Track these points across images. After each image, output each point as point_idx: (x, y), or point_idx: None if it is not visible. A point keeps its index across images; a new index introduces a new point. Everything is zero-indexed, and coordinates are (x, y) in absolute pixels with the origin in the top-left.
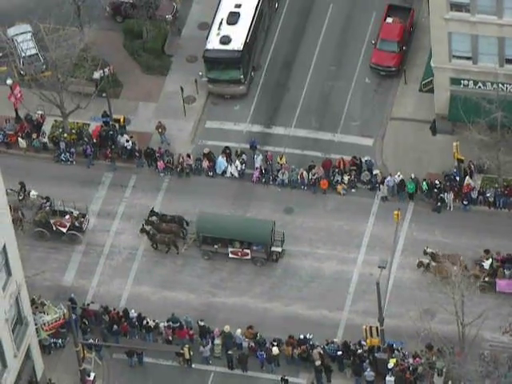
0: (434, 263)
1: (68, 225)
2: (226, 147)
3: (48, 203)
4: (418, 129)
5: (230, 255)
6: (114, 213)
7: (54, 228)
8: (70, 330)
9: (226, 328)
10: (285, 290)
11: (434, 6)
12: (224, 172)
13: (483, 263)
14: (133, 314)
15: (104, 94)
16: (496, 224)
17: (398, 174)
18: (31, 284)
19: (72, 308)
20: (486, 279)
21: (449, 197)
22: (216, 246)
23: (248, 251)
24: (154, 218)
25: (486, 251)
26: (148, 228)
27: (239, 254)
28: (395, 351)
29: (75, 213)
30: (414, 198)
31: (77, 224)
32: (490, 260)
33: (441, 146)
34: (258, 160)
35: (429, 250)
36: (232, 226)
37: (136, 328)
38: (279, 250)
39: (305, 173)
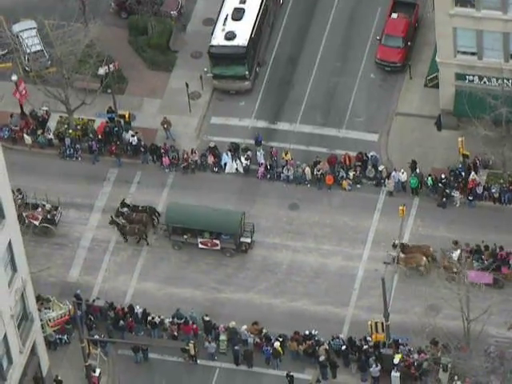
0: (402, 255)
1: (40, 217)
2: (232, 143)
3: (20, 196)
4: (423, 124)
5: (200, 245)
6: None
7: (27, 221)
8: (76, 326)
9: (232, 324)
10: (290, 285)
11: (438, 2)
12: (226, 164)
13: (452, 254)
14: (138, 309)
15: (109, 90)
16: (501, 219)
17: (402, 171)
18: (36, 280)
19: (77, 304)
20: (455, 270)
21: (456, 193)
22: (185, 237)
23: (217, 242)
24: (124, 210)
25: (455, 242)
26: (118, 219)
27: (209, 244)
28: (400, 347)
29: (47, 206)
30: (417, 193)
31: (49, 217)
32: (459, 251)
33: (446, 142)
34: (260, 156)
35: (397, 242)
36: (201, 217)
37: (141, 324)
38: (248, 240)
39: (308, 169)
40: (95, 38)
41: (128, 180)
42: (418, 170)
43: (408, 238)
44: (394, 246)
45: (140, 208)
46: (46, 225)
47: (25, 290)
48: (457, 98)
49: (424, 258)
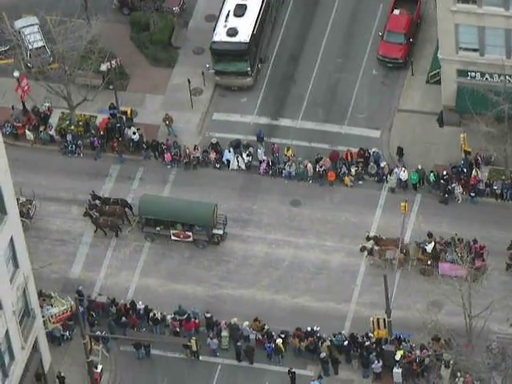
0: (376, 247)
1: None
2: (233, 141)
3: None
4: (425, 121)
5: (173, 237)
6: None
7: None
8: (78, 322)
9: (233, 320)
10: (292, 282)
11: None
12: (228, 161)
13: (426, 247)
14: (140, 306)
15: (111, 87)
16: (503, 216)
17: (403, 169)
18: (38, 276)
19: (79, 300)
20: (429, 262)
21: (457, 189)
22: (158, 228)
23: (190, 233)
24: (96, 202)
25: (429, 235)
26: (91, 212)
27: (181, 236)
28: (402, 343)
29: (22, 199)
30: (416, 189)
31: (24, 210)
32: (433, 244)
33: (448, 138)
34: (261, 153)
35: (371, 235)
36: (174, 209)
37: (143, 320)
38: (220, 232)
39: (309, 165)
40: (97, 35)
41: (130, 176)
42: (419, 166)
43: (410, 234)
44: (368, 238)
45: (112, 200)
46: (21, 219)
47: (27, 287)
48: (459, 94)
49: (398, 251)
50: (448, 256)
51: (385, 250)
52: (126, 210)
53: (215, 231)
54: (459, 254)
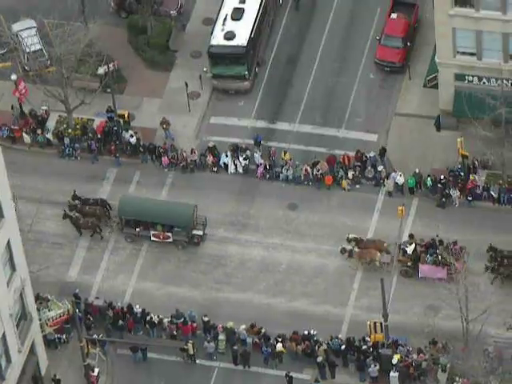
0: (356, 249)
1: None
2: (232, 145)
3: None
4: (422, 124)
5: (152, 238)
6: None
7: None
8: (74, 325)
9: (229, 324)
10: (289, 285)
11: (438, 2)
12: (225, 165)
13: (406, 248)
14: (137, 309)
15: (108, 90)
16: (500, 220)
17: (400, 173)
18: (35, 279)
19: (76, 303)
20: (409, 264)
21: (455, 193)
22: (138, 229)
23: (169, 234)
24: (76, 202)
25: (410, 236)
26: (71, 213)
27: (161, 236)
28: (399, 347)
29: None
30: (413, 193)
31: None
32: (414, 245)
33: (445, 142)
34: (258, 157)
35: (351, 236)
36: (153, 209)
37: (140, 324)
38: (200, 233)
39: (309, 169)
40: (95, 38)
41: (127, 180)
42: (417, 170)
43: (407, 238)
44: (349, 240)
45: (91, 201)
46: None
47: (24, 290)
48: (456, 98)
49: (378, 253)
50: (428, 258)
51: (365, 252)
52: (105, 210)
53: (195, 232)
54: (440, 256)
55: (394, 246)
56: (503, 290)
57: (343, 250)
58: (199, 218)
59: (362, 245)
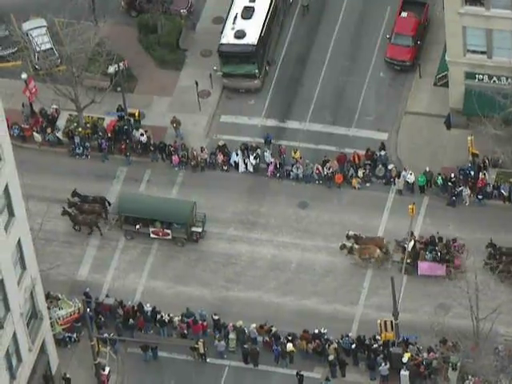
0: (356, 246)
1: None
2: (243, 145)
3: None
4: (432, 123)
5: (152, 235)
6: None
7: None
8: (85, 324)
9: (239, 323)
10: (299, 284)
11: (448, 0)
12: (236, 164)
13: (405, 245)
14: (147, 308)
15: (119, 89)
16: (510, 218)
17: (410, 172)
18: (46, 278)
19: (87, 302)
20: (409, 261)
21: (465, 192)
22: (137, 226)
23: (169, 231)
24: (76, 199)
25: (410, 233)
26: (70, 210)
27: (160, 233)
28: (410, 345)
29: None
30: (424, 191)
31: None
32: (413, 242)
33: (455, 141)
34: (268, 155)
35: (351, 233)
36: (153, 206)
37: (150, 322)
38: (199, 230)
39: (320, 167)
40: (105, 37)
41: (137, 178)
42: (427, 169)
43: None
44: (348, 236)
45: (91, 198)
46: None
47: (34, 288)
48: (466, 96)
49: (377, 250)
50: (427, 255)
51: (364, 248)
52: (104, 207)
53: (194, 229)
54: (439, 253)
55: (393, 244)
56: None
57: (343, 247)
58: (198, 214)
59: (362, 242)
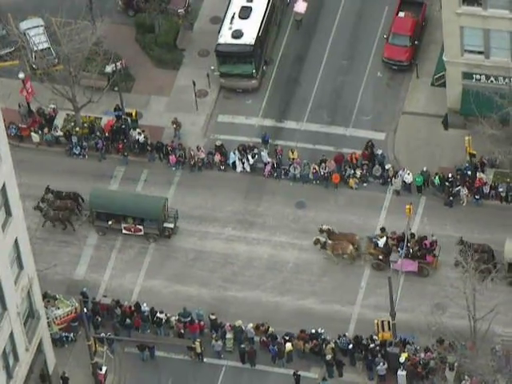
0: (329, 241)
1: None
2: (241, 145)
3: None
4: (430, 123)
5: (124, 231)
6: None
7: None
8: (82, 323)
9: (238, 322)
10: (296, 284)
11: (446, 0)
12: (234, 164)
13: (378, 242)
14: (145, 307)
15: (116, 88)
16: (508, 218)
17: (408, 172)
18: (43, 278)
19: (84, 302)
20: (381, 257)
21: (462, 192)
22: (110, 222)
23: (141, 227)
24: (49, 196)
25: (382, 229)
26: (43, 205)
27: (132, 229)
28: (407, 345)
29: None
30: (421, 191)
31: None
32: (385, 239)
33: (453, 141)
34: (265, 155)
35: (325, 227)
36: (124, 202)
37: (148, 322)
38: (171, 226)
39: (317, 167)
40: (102, 36)
41: (135, 178)
42: (425, 169)
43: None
44: (321, 231)
45: (64, 194)
46: None
47: (31, 288)
48: (464, 96)
49: (350, 246)
50: (399, 251)
51: (337, 244)
52: (78, 203)
53: (166, 225)
54: (411, 249)
55: (366, 239)
56: (511, 288)
57: (316, 241)
58: (170, 210)
59: (335, 237)
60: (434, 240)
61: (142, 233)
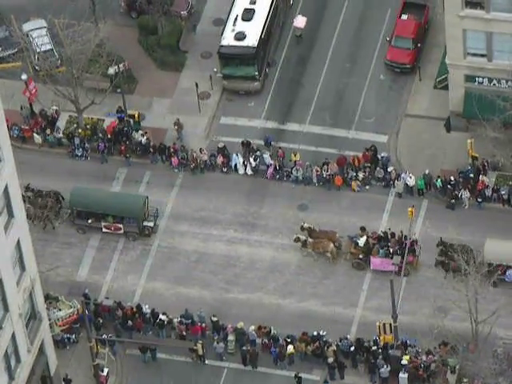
0: (310, 239)
1: None
2: (244, 141)
3: None
4: (432, 126)
5: (104, 229)
6: None
7: None
8: (84, 325)
9: (240, 324)
10: (298, 286)
11: (449, 3)
12: (236, 166)
13: (358, 241)
14: (146, 309)
15: (119, 90)
16: (510, 221)
17: (410, 175)
18: (45, 279)
19: (86, 303)
20: (361, 256)
21: (465, 194)
22: (89, 221)
23: (121, 226)
24: (29, 194)
25: (362, 229)
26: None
27: (112, 228)
28: (408, 348)
29: None
30: (423, 194)
31: None
32: (365, 238)
33: (455, 143)
34: (267, 157)
35: (306, 225)
36: (104, 201)
37: (149, 324)
38: (151, 224)
39: (319, 169)
40: (105, 38)
41: (137, 180)
42: (427, 171)
43: (417, 239)
44: (302, 228)
45: (44, 193)
46: None
47: (33, 289)
48: (466, 99)
49: (331, 244)
50: (380, 251)
51: (318, 242)
52: (58, 202)
53: (146, 223)
54: (390, 249)
55: (346, 238)
56: None
57: (297, 239)
58: (151, 209)
59: (315, 235)
60: (414, 240)
61: (121, 231)
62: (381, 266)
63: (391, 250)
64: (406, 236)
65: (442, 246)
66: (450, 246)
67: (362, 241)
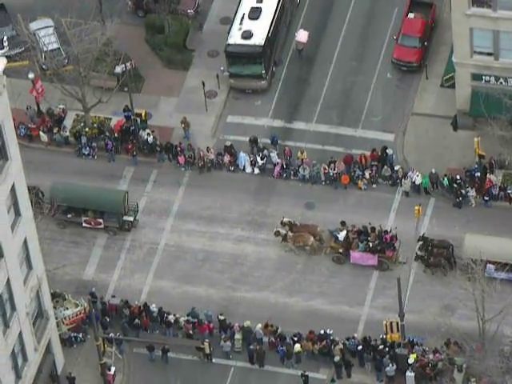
0: (291, 233)
1: None
2: (251, 137)
3: None
4: (439, 124)
5: (84, 224)
6: None
7: None
8: (91, 324)
9: (247, 323)
10: (305, 285)
11: (455, 2)
12: (244, 167)
13: (338, 235)
14: (153, 308)
15: (126, 89)
16: None
17: (417, 173)
18: (52, 278)
19: (93, 302)
20: (341, 251)
21: (471, 193)
22: (69, 215)
23: (101, 220)
24: None
25: (342, 223)
26: None
27: (92, 223)
28: (415, 346)
29: None
30: (428, 193)
31: None
32: (345, 232)
33: (462, 142)
34: (274, 156)
35: (285, 220)
36: (84, 196)
37: (156, 322)
38: (131, 219)
39: (325, 166)
40: (112, 37)
41: (144, 178)
42: (433, 170)
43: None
44: (283, 223)
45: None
46: None
47: (40, 288)
48: (473, 98)
49: (311, 238)
50: (359, 245)
51: (298, 236)
52: (38, 197)
53: (126, 218)
54: (370, 243)
55: (327, 232)
56: None
57: (277, 233)
58: (131, 203)
59: (296, 229)
60: (394, 234)
61: (101, 226)
62: (360, 260)
63: (371, 245)
64: (386, 231)
65: (422, 241)
66: (431, 240)
67: (341, 235)
